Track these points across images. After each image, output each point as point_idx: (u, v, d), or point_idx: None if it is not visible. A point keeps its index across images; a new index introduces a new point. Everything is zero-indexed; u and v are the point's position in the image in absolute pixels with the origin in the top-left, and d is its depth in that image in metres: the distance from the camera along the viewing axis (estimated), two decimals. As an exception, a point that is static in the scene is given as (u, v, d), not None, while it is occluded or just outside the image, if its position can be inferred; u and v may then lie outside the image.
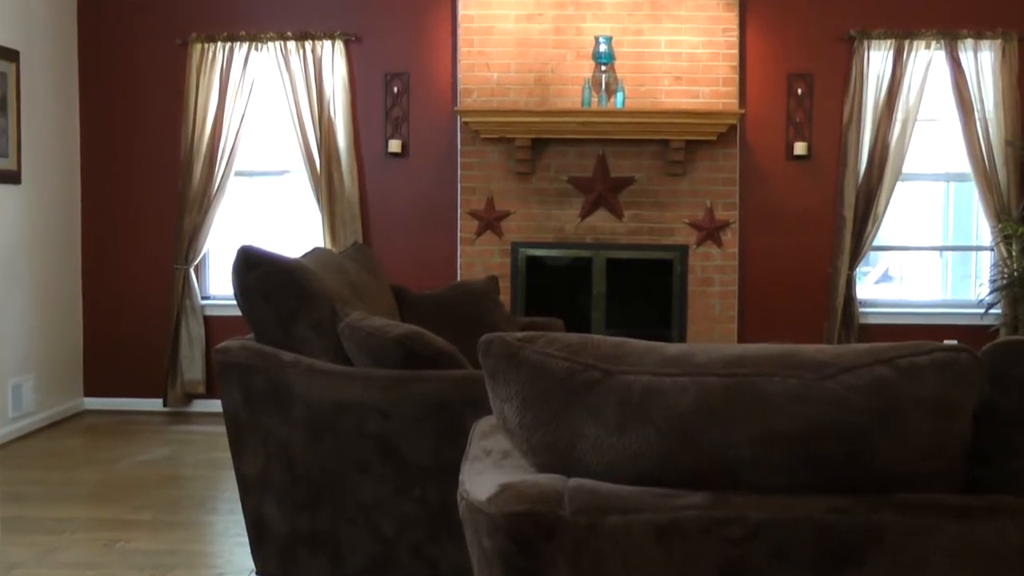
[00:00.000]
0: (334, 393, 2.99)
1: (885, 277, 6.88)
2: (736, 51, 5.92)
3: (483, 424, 2.17)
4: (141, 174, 6.33)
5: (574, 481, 1.57)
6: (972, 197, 6.32)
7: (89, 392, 6.36)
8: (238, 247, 3.19)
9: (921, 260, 6.72)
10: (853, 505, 1.51)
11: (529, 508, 1.53)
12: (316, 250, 3.81)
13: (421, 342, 2.99)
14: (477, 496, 1.63)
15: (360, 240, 6.00)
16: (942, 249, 6.60)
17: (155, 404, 6.26)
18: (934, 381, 1.51)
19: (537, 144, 5.91)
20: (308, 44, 6.07)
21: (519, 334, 1.67)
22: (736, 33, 5.91)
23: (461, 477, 1.84)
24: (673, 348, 1.63)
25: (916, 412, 1.50)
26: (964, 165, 6.09)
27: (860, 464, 1.52)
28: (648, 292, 6.15)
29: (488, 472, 1.79)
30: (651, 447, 1.54)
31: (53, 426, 5.91)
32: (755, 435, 1.51)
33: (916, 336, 6.08)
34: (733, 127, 5.90)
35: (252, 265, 3.16)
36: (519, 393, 1.62)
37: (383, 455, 2.96)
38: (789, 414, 1.50)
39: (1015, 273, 5.88)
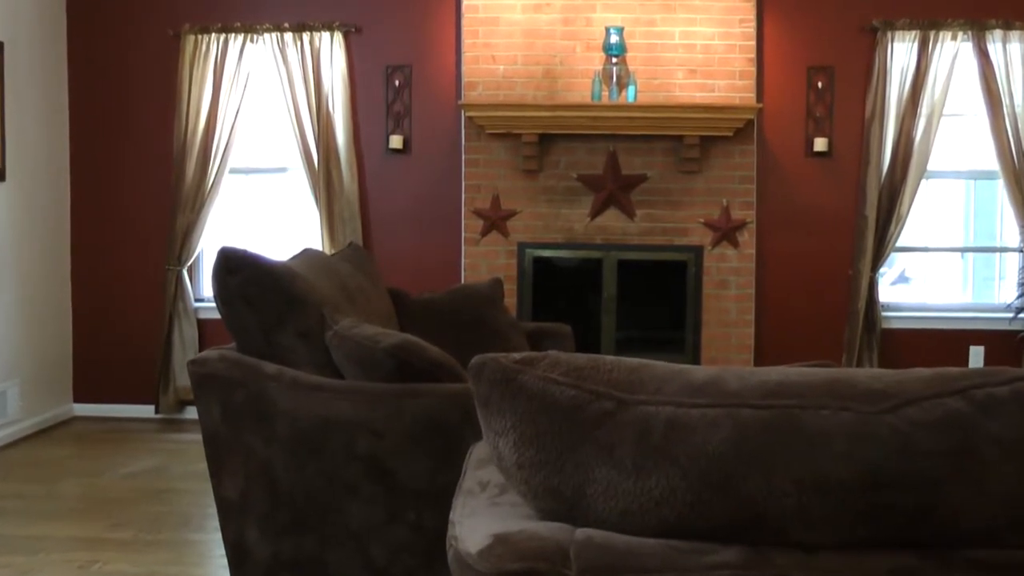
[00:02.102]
0: (321, 409, 2.75)
1: (902, 278, 6.60)
2: (753, 43, 5.69)
3: (480, 449, 1.93)
4: (132, 171, 6.11)
5: (582, 533, 1.33)
6: (996, 196, 6.08)
7: (79, 398, 6.14)
8: (218, 249, 2.95)
9: (940, 261, 6.43)
10: (919, 564, 1.26)
11: (527, 567, 1.29)
12: (306, 251, 3.57)
13: (415, 353, 2.74)
14: (467, 547, 1.39)
15: (360, 240, 5.78)
16: (965, 250, 6.33)
17: (147, 411, 6.03)
18: (1017, 416, 1.26)
19: (545, 140, 5.69)
20: (306, 36, 5.84)
21: (516, 355, 1.41)
22: (753, 24, 5.68)
23: (452, 516, 1.61)
24: (700, 373, 1.38)
25: (996, 454, 1.25)
26: (990, 162, 5.84)
27: (928, 516, 1.26)
28: (661, 295, 5.91)
29: (482, 513, 1.55)
30: (675, 493, 1.29)
31: (40, 434, 5.69)
32: (801, 480, 1.25)
33: (942, 342, 5.84)
34: (750, 122, 5.67)
35: (233, 268, 2.91)
36: (516, 427, 1.37)
37: (374, 477, 2.72)
38: (842, 455, 1.25)
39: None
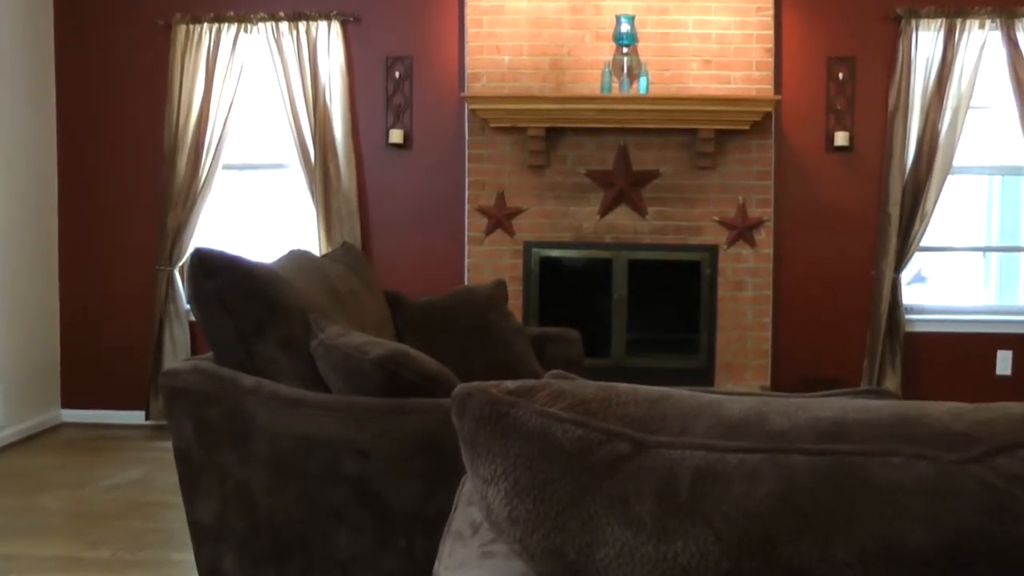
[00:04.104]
0: (303, 426, 2.50)
1: (918, 278, 6.33)
2: (771, 32, 5.45)
3: (474, 480, 1.67)
4: (121, 167, 5.88)
5: (590, 606, 1.07)
6: (1022, 192, 5.80)
7: (67, 403, 5.92)
8: (194, 250, 2.71)
9: (960, 260, 6.13)
10: (1015, 654, 1.00)
11: (522, 651, 1.03)
12: (293, 252, 3.32)
13: (406, 365, 2.49)
14: (450, 618, 1.14)
15: (358, 239, 5.55)
16: (988, 249, 6.05)
17: (137, 416, 5.81)
18: None
19: (552, 134, 5.45)
20: (302, 25, 5.61)
21: (510, 384, 1.16)
22: (771, 12, 5.45)
23: (436, 566, 1.36)
24: (737, 406, 1.12)
25: (1114, 515, 0.98)
26: (1018, 157, 5.57)
27: (1027, 593, 1.00)
28: (674, 297, 5.67)
29: (471, 566, 1.31)
30: (706, 560, 1.03)
31: (27, 441, 5.47)
32: (866, 547, 0.99)
33: (968, 346, 5.58)
34: (768, 115, 5.43)
35: (209, 271, 2.66)
36: (509, 473, 1.12)
37: (361, 501, 2.47)
38: (919, 517, 0.98)
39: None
